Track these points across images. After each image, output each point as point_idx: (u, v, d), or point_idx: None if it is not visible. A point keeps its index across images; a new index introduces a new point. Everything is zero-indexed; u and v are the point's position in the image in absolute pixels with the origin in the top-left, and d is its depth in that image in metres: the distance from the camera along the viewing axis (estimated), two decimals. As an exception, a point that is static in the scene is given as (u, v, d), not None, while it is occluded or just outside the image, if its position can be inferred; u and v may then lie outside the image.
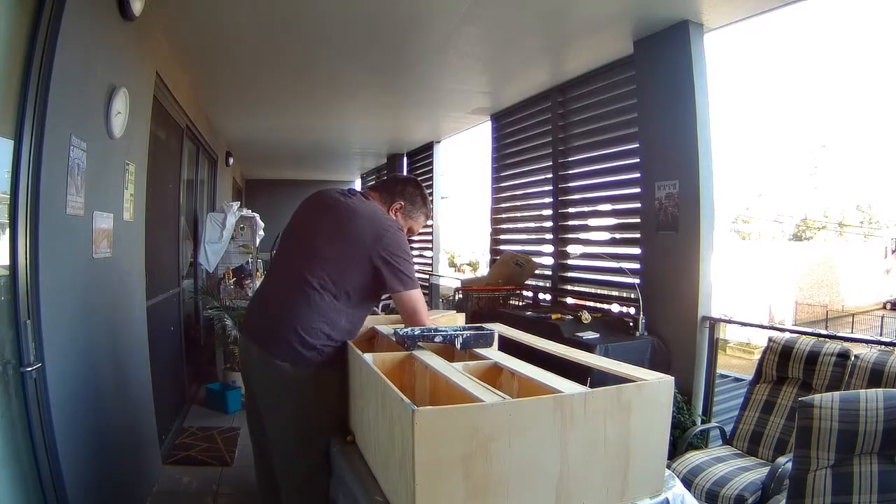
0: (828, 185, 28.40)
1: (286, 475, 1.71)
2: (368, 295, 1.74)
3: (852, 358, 2.19)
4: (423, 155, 6.87)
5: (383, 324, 2.01)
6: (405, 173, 7.45)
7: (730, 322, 3.47)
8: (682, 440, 2.39)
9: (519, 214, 4.88)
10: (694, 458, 2.26)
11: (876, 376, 2.03)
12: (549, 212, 4.23)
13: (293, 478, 1.70)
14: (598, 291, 3.81)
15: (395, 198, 1.87)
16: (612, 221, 3.68)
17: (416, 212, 1.91)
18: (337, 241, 1.69)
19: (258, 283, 4.73)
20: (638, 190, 3.26)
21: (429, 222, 6.72)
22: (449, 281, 6.53)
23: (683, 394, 2.80)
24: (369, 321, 2.04)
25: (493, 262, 4.86)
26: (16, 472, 1.54)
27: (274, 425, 1.73)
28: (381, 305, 3.91)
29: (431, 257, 6.71)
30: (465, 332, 1.68)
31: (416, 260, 7.29)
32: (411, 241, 7.17)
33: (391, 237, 1.70)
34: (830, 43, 42.12)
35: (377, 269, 1.67)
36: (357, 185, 10.59)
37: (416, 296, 1.72)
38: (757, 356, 2.87)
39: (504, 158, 4.85)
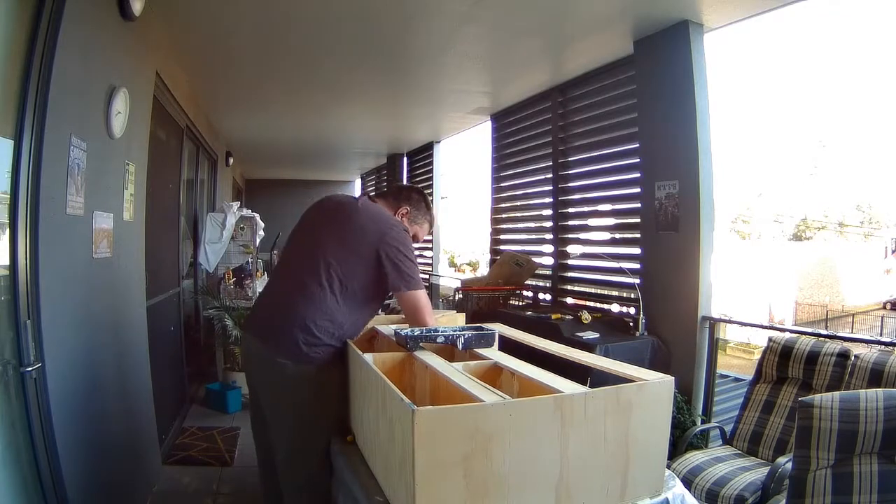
0: (828, 185, 28.43)
1: (288, 475, 1.71)
2: (374, 294, 1.75)
3: (852, 358, 2.19)
4: (423, 155, 6.87)
5: (383, 324, 2.01)
6: (405, 176, 7.46)
7: (730, 322, 3.48)
8: (682, 440, 2.39)
9: (519, 214, 4.88)
10: (694, 458, 2.26)
11: (876, 376, 2.03)
12: (549, 212, 4.23)
13: (295, 478, 1.70)
14: (598, 291, 3.80)
15: (401, 203, 1.90)
16: (612, 221, 3.68)
17: (420, 217, 1.94)
18: (343, 239, 1.71)
19: (258, 283, 4.73)
20: (638, 190, 3.26)
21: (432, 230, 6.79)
22: (449, 281, 6.53)
23: (683, 394, 2.80)
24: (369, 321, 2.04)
25: (493, 262, 4.86)
26: (16, 473, 1.54)
27: (275, 425, 1.74)
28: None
29: (431, 257, 6.71)
30: (467, 332, 1.68)
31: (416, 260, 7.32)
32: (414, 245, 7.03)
33: (396, 234, 1.72)
34: (830, 42, 42.17)
35: (382, 266, 1.68)
36: (357, 185, 10.61)
37: (420, 297, 1.73)
38: (757, 356, 2.87)
39: (504, 158, 4.84)
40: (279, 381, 1.67)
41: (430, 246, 6.75)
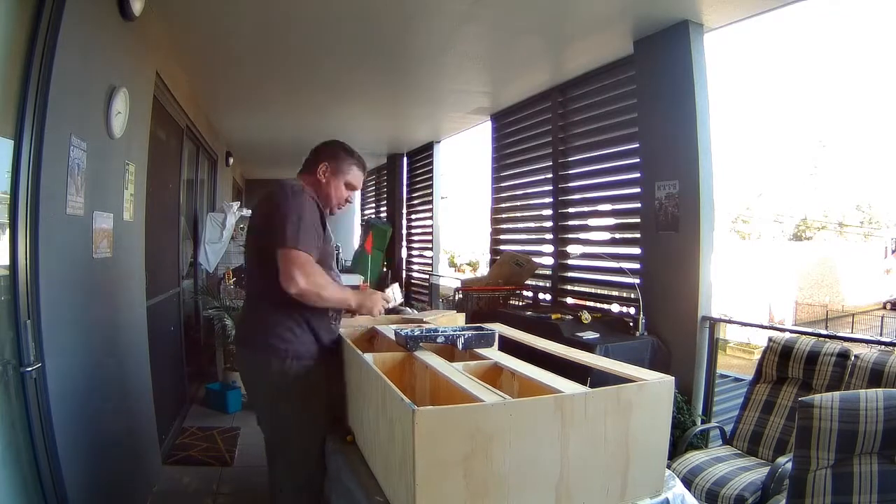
0: (828, 185, 28.42)
1: (288, 475, 1.71)
2: None
3: (852, 358, 2.19)
4: (423, 155, 6.87)
5: (383, 324, 2.01)
6: (405, 176, 7.45)
7: (730, 322, 3.47)
8: (682, 440, 2.39)
9: (519, 214, 4.88)
10: (694, 458, 2.26)
11: (876, 376, 2.03)
12: (549, 212, 4.23)
13: (295, 478, 1.71)
14: (598, 291, 3.80)
15: (319, 161, 1.82)
16: (612, 221, 3.68)
17: (343, 165, 1.83)
18: (255, 245, 1.75)
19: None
20: (638, 190, 3.26)
21: (426, 214, 6.75)
22: (449, 281, 6.53)
23: (683, 394, 2.80)
24: (369, 321, 2.04)
25: (493, 262, 4.86)
26: (16, 473, 1.54)
27: (264, 427, 1.78)
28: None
29: (431, 257, 6.71)
30: (467, 332, 1.68)
31: (415, 260, 7.32)
32: (412, 239, 7.10)
33: (279, 199, 1.64)
34: (830, 42, 42.16)
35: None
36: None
37: (296, 256, 1.55)
38: (757, 356, 2.87)
39: (504, 158, 4.84)
40: (259, 382, 1.73)
41: (430, 246, 6.75)
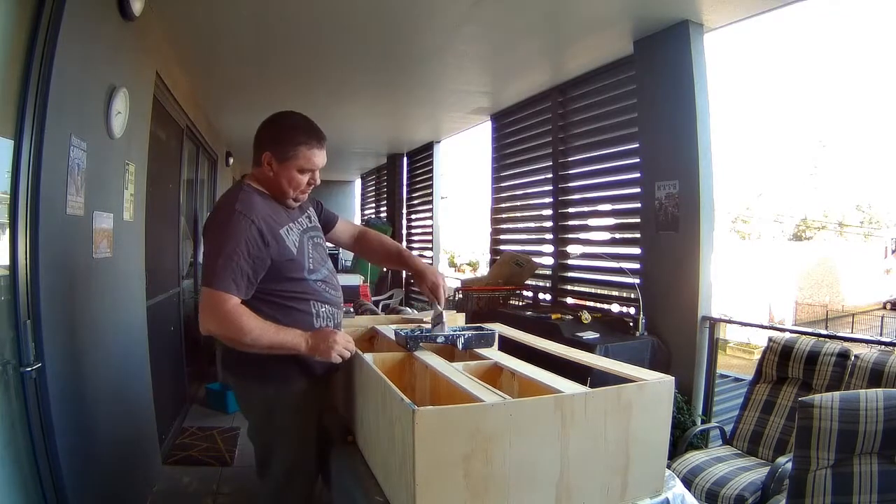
0: (828, 185, 28.41)
1: (287, 488, 1.68)
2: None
3: (852, 358, 2.19)
4: (423, 155, 6.88)
5: (383, 324, 2.01)
6: (405, 176, 7.42)
7: (730, 322, 3.47)
8: (682, 440, 2.39)
9: (519, 214, 4.88)
10: (694, 458, 2.26)
11: (876, 376, 2.03)
12: (549, 212, 4.23)
13: (272, 479, 1.67)
14: (598, 291, 3.81)
15: (262, 151, 1.55)
16: (612, 221, 3.68)
17: (289, 148, 1.52)
18: None
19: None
20: (638, 190, 3.26)
21: (425, 214, 6.71)
22: (449, 281, 6.52)
23: (683, 394, 2.80)
24: (369, 321, 2.04)
25: (493, 262, 4.87)
26: (15, 473, 1.54)
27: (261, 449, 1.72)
28: (381, 305, 3.91)
29: (431, 257, 6.71)
30: (467, 332, 1.68)
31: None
32: (412, 239, 7.11)
33: (205, 228, 1.52)
34: (830, 42, 42.17)
35: None
36: (357, 185, 10.59)
37: (207, 297, 1.39)
38: (757, 356, 2.87)
39: (504, 158, 4.85)
40: (243, 403, 1.69)
41: (430, 246, 6.75)
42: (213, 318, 1.40)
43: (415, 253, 7.25)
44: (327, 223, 1.83)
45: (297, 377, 1.57)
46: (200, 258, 1.55)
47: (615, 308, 3.52)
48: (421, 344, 1.62)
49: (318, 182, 1.61)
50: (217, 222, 1.49)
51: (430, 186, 6.64)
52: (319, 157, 1.57)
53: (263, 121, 1.61)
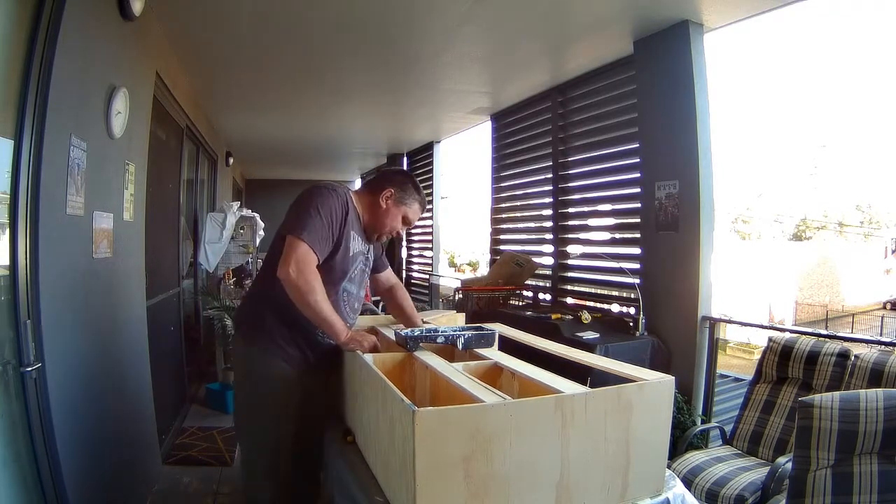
0: (828, 185, 28.41)
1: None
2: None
3: (852, 358, 2.19)
4: (423, 155, 6.87)
5: (383, 324, 2.01)
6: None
7: (730, 322, 3.47)
8: (682, 440, 2.39)
9: (519, 214, 4.88)
10: (694, 458, 2.26)
11: (876, 376, 2.03)
12: (549, 212, 4.23)
13: (249, 466, 1.74)
14: (598, 291, 3.81)
15: (385, 186, 1.78)
16: (611, 221, 3.68)
17: (408, 198, 1.81)
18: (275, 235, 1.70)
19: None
20: (638, 190, 3.26)
21: (425, 214, 6.73)
22: (449, 281, 6.53)
23: (683, 394, 2.80)
24: (369, 321, 2.04)
25: (493, 262, 4.86)
26: (16, 473, 1.54)
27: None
28: (381, 306, 3.90)
29: (431, 257, 6.71)
30: (467, 332, 1.68)
31: (415, 260, 7.32)
32: (412, 239, 7.08)
33: (306, 193, 1.64)
34: (830, 43, 42.16)
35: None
36: (357, 186, 10.58)
37: (297, 245, 1.53)
38: (757, 356, 2.87)
39: (504, 158, 4.84)
40: (236, 362, 1.79)
41: (430, 246, 6.75)
42: (297, 268, 1.52)
43: (415, 253, 7.28)
44: (378, 266, 2.00)
45: (296, 359, 1.68)
46: (284, 219, 1.67)
47: (615, 308, 3.52)
48: (421, 344, 1.62)
49: (402, 235, 1.89)
50: (315, 191, 1.63)
51: (430, 186, 6.64)
52: (417, 218, 1.88)
53: (397, 169, 1.95)
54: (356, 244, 1.73)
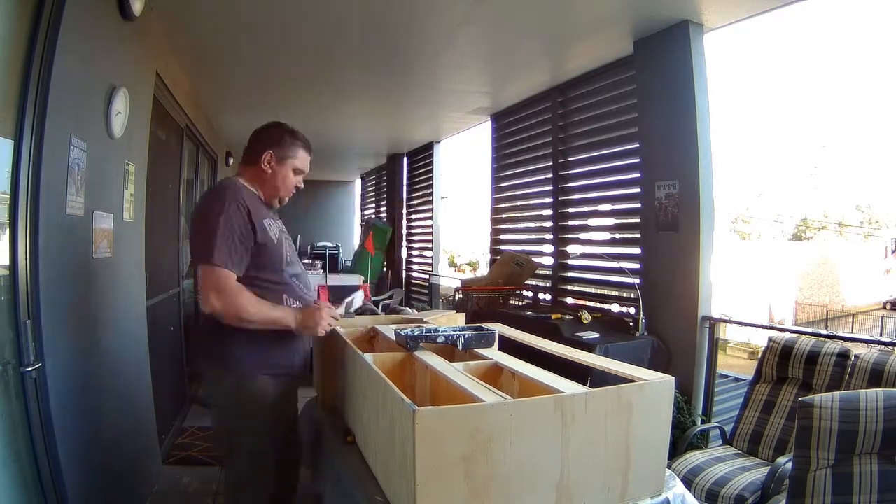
0: (828, 185, 28.40)
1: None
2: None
3: (852, 358, 2.19)
4: (423, 155, 6.87)
5: (383, 324, 2.01)
6: (405, 176, 7.43)
7: (730, 322, 3.47)
8: (682, 440, 2.39)
9: (519, 214, 4.88)
10: (694, 458, 2.26)
11: (876, 376, 2.03)
12: (549, 212, 4.23)
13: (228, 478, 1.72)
14: (598, 291, 3.81)
15: (260, 150, 1.67)
16: (611, 221, 3.68)
17: (288, 149, 1.68)
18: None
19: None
20: (638, 190, 3.26)
21: (426, 214, 6.72)
22: (449, 281, 6.53)
23: (683, 394, 2.80)
24: (369, 321, 2.04)
25: (493, 262, 4.87)
26: (16, 473, 1.53)
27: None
28: (381, 305, 3.91)
29: (431, 257, 6.71)
30: (467, 332, 1.68)
31: (415, 260, 7.32)
32: (412, 240, 7.07)
33: (199, 211, 1.60)
34: (830, 43, 42.16)
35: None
36: (357, 185, 10.58)
37: (209, 273, 1.47)
38: (757, 356, 2.87)
39: (504, 158, 4.85)
40: (211, 391, 1.71)
41: (430, 246, 6.75)
42: (218, 295, 1.48)
43: (415, 253, 7.28)
44: None
45: (265, 370, 1.63)
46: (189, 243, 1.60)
47: (615, 308, 3.52)
48: (421, 344, 1.62)
49: (302, 186, 1.76)
50: (209, 207, 1.56)
51: (430, 186, 6.64)
52: (308, 163, 1.76)
53: (263, 125, 1.75)
54: (273, 228, 1.65)
